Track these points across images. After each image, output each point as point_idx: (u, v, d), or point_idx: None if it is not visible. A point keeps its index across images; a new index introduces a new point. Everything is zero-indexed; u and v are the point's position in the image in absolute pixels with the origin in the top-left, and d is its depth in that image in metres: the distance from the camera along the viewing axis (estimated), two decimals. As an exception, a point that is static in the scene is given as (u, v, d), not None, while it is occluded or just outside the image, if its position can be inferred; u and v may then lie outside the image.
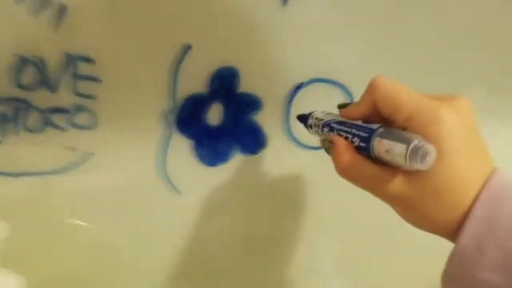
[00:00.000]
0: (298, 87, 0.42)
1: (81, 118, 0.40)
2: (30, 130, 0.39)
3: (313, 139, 0.44)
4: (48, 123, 0.39)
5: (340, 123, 0.33)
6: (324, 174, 0.46)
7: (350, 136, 0.32)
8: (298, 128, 0.44)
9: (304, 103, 0.43)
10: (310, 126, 0.37)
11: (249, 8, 0.38)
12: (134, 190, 0.43)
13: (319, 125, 0.36)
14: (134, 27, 0.37)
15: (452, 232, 0.29)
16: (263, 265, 0.49)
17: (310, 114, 0.37)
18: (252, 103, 0.42)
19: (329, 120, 0.35)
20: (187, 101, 0.40)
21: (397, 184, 0.29)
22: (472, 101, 0.44)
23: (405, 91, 0.30)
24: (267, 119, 0.43)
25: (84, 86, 0.39)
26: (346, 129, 0.32)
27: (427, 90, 0.31)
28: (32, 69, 0.37)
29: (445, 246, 0.29)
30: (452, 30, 0.44)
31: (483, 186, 0.28)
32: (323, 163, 0.46)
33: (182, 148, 0.42)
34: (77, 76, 0.38)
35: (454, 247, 0.28)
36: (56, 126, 0.40)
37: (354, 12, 0.41)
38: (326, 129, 0.35)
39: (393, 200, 0.30)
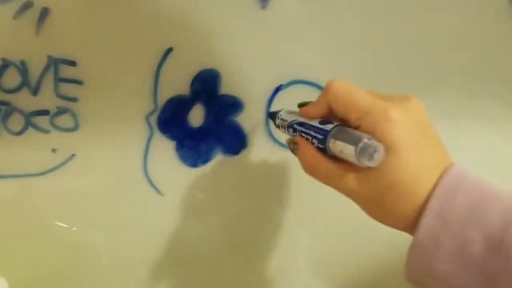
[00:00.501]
0: (278, 88, 0.43)
1: (63, 120, 0.40)
2: (12, 132, 0.40)
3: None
4: (30, 125, 0.40)
5: (300, 124, 0.35)
6: (304, 174, 0.47)
7: (310, 137, 0.34)
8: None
9: (284, 104, 0.44)
10: (278, 126, 0.39)
11: (230, 12, 0.39)
12: (116, 191, 0.43)
13: (284, 126, 0.38)
14: (116, 30, 0.38)
15: (410, 226, 0.30)
16: (246, 264, 0.50)
17: (277, 113, 0.39)
18: (233, 105, 0.43)
19: (291, 121, 0.36)
20: (168, 103, 0.41)
21: (354, 180, 0.31)
22: (441, 101, 0.46)
23: (357, 93, 0.32)
24: (248, 120, 0.44)
25: (66, 89, 0.39)
26: (306, 130, 0.34)
27: (399, 89, 0.33)
28: (14, 72, 0.37)
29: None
30: (425, 32, 0.46)
31: (438, 180, 0.29)
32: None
33: (164, 149, 0.43)
34: (59, 79, 0.38)
35: (412, 241, 0.29)
36: (38, 128, 0.40)
37: (333, 15, 0.42)
38: (290, 130, 0.37)
39: (354, 196, 0.32)
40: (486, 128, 0.50)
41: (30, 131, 0.40)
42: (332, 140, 0.31)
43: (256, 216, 0.48)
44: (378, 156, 0.29)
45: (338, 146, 0.31)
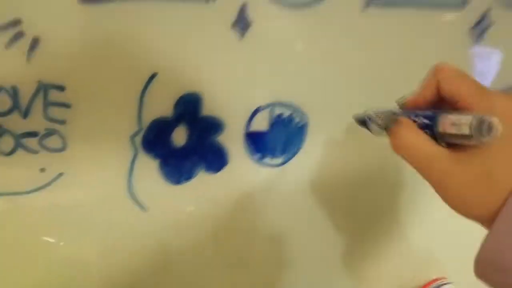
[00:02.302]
0: (257, 110, 0.46)
1: (52, 141, 0.42)
2: (2, 153, 0.41)
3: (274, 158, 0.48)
4: (19, 145, 0.41)
5: (403, 110, 0.35)
6: (283, 191, 0.50)
7: (413, 116, 0.33)
8: (258, 147, 0.47)
9: (262, 124, 0.46)
10: (370, 119, 0.38)
11: (211, 42, 0.41)
12: (103, 207, 0.45)
13: (380, 115, 0.37)
14: (103, 56, 0.40)
15: (488, 216, 0.30)
16: (233, 280, 0.52)
17: (366, 111, 0.39)
18: (215, 125, 0.45)
19: (392, 110, 0.36)
20: (152, 124, 0.43)
21: (453, 161, 0.30)
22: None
23: (469, 77, 0.32)
24: (229, 140, 0.46)
25: (55, 112, 0.41)
26: (409, 113, 0.33)
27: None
28: (5, 96, 0.39)
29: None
30: (395, 58, 0.49)
31: None
32: (282, 180, 0.49)
33: (148, 167, 0.45)
34: (48, 103, 0.40)
35: (488, 233, 0.29)
36: (27, 149, 0.41)
37: (305, 41, 0.45)
38: (389, 115, 0.36)
39: (443, 178, 0.31)
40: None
41: (20, 151, 0.41)
42: (443, 114, 0.30)
43: (238, 232, 0.50)
44: (495, 131, 0.28)
45: (451, 119, 0.30)
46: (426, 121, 0.31)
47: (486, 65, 0.52)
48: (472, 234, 0.32)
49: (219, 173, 0.47)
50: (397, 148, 0.33)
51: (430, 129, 0.31)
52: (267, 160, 0.48)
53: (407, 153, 0.32)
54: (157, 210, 0.47)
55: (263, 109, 0.46)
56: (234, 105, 0.45)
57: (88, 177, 0.44)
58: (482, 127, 0.28)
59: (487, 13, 0.49)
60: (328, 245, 0.54)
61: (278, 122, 0.47)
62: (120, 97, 0.42)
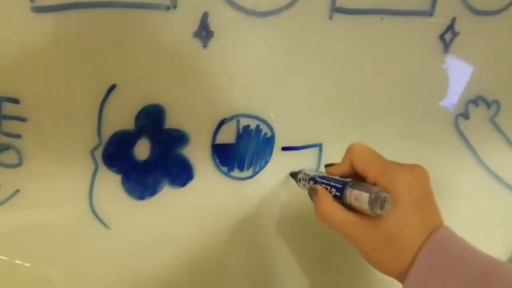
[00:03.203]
0: (222, 122, 0.45)
1: (7, 156, 0.40)
2: (-47, 170, 0.39)
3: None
4: (-28, 162, 0.40)
5: (322, 177, 0.41)
6: (251, 202, 0.49)
7: (329, 187, 0.39)
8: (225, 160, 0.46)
9: (227, 137, 0.45)
10: (299, 180, 0.45)
11: (173, 51, 0.40)
12: (63, 225, 0.43)
13: (306, 179, 0.44)
14: (59, 67, 0.38)
15: (400, 275, 0.35)
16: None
17: (299, 171, 0.46)
18: (179, 138, 0.44)
19: (314, 175, 0.43)
20: (113, 138, 0.42)
21: (363, 227, 0.36)
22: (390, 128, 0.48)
23: (376, 155, 0.38)
24: (194, 152, 0.45)
25: (10, 125, 0.39)
26: (326, 182, 0.40)
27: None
28: (-45, 110, 0.37)
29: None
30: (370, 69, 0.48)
31: (428, 237, 0.34)
32: (249, 193, 0.48)
33: (109, 183, 0.43)
34: (2, 116, 0.39)
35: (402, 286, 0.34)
36: (-20, 165, 0.40)
37: (273, 49, 0.44)
38: (311, 182, 0.42)
39: (359, 242, 0.36)
40: (425, 148, 0.53)
41: (-27, 168, 0.40)
42: (349, 189, 0.37)
43: (205, 247, 0.49)
44: (388, 206, 0.34)
45: (354, 194, 0.36)
46: (337, 193, 0.38)
47: (455, 73, 0.52)
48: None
49: (185, 188, 0.46)
50: (317, 215, 0.38)
51: (340, 199, 0.38)
52: (235, 173, 0.47)
53: (324, 219, 0.38)
54: (121, 227, 0.45)
55: (228, 121, 0.45)
56: (198, 116, 0.44)
57: (47, 194, 0.42)
58: (377, 203, 0.34)
59: (455, 21, 0.49)
60: (304, 257, 0.53)
61: (245, 134, 0.46)
62: (79, 110, 0.40)
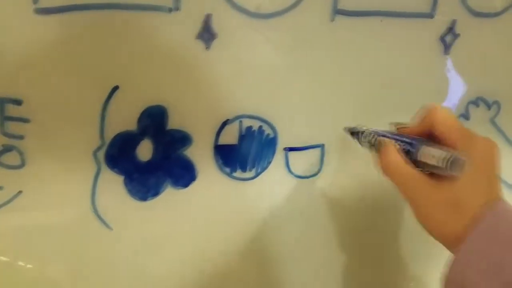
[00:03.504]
0: (225, 122, 0.45)
1: (9, 158, 0.40)
2: (-44, 171, 0.39)
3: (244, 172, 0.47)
4: (-26, 163, 0.40)
5: (393, 133, 0.40)
6: (253, 202, 0.49)
7: (399, 142, 0.38)
8: (227, 160, 0.46)
9: (230, 138, 0.45)
10: (361, 134, 0.43)
11: (176, 52, 0.40)
12: (66, 227, 0.43)
13: (371, 134, 0.42)
14: (62, 69, 0.38)
15: (456, 240, 0.34)
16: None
17: (359, 129, 0.44)
18: (181, 139, 0.44)
19: (383, 131, 0.41)
20: (116, 139, 0.42)
21: (427, 185, 0.36)
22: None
23: (457, 120, 0.38)
24: (197, 153, 0.45)
25: (12, 127, 0.39)
26: (397, 137, 0.39)
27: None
28: (-42, 111, 0.37)
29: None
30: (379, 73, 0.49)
31: (491, 207, 0.35)
32: (251, 193, 0.48)
33: (112, 184, 0.43)
34: (5, 117, 0.39)
35: (455, 253, 0.34)
36: (-17, 166, 0.40)
37: (275, 51, 0.44)
38: (378, 136, 0.41)
39: (418, 199, 0.36)
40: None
41: (-25, 169, 0.40)
42: (424, 146, 0.36)
43: (208, 249, 0.49)
44: (463, 168, 0.34)
45: (430, 151, 0.35)
46: (409, 147, 0.37)
47: (455, 75, 0.52)
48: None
49: (187, 188, 0.46)
50: (383, 166, 0.38)
51: (410, 154, 0.37)
52: (238, 174, 0.47)
53: (389, 172, 0.37)
54: (124, 228, 0.45)
55: (231, 122, 0.45)
56: (201, 117, 0.44)
57: (49, 195, 0.42)
58: (453, 163, 0.34)
59: (455, 23, 0.49)
60: (308, 257, 0.53)
61: (247, 135, 0.46)
62: (81, 111, 0.40)
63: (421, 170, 0.36)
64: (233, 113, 0.45)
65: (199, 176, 0.46)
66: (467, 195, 0.35)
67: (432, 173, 0.36)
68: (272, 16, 0.42)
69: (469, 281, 0.33)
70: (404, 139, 0.38)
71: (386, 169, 0.38)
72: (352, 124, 0.45)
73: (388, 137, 0.40)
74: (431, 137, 0.38)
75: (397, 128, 0.41)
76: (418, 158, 0.36)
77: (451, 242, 0.35)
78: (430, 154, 0.35)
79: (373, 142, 0.41)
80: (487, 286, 0.32)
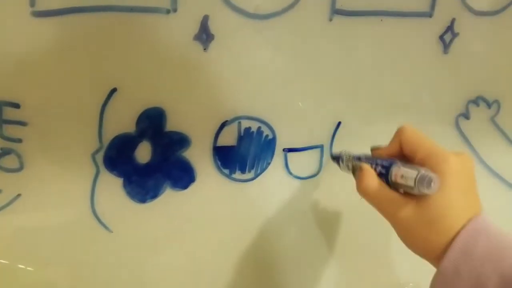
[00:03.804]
0: (223, 124, 0.45)
1: (7, 161, 0.40)
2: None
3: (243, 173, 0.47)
4: (-27, 166, 0.39)
5: (368, 157, 0.42)
6: (253, 204, 0.49)
7: (374, 165, 0.39)
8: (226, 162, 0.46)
9: (229, 139, 0.45)
10: (342, 161, 0.45)
11: (173, 54, 0.40)
12: (65, 229, 0.43)
13: (349, 158, 0.44)
14: (60, 71, 0.38)
15: (436, 257, 0.35)
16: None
17: (341, 152, 0.46)
18: (180, 141, 0.44)
19: (359, 155, 0.43)
20: (114, 141, 0.42)
21: (405, 207, 0.36)
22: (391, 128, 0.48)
23: (425, 138, 0.38)
24: (195, 155, 0.45)
25: (10, 130, 0.39)
26: (372, 161, 0.40)
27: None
28: (-44, 115, 0.37)
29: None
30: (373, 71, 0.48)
31: (467, 223, 0.35)
32: (251, 194, 0.48)
33: (111, 186, 0.43)
34: (3, 121, 0.39)
35: (437, 269, 0.35)
36: (-19, 170, 0.40)
37: (273, 52, 0.44)
38: (355, 160, 0.43)
39: (398, 221, 0.37)
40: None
41: (-26, 172, 0.40)
42: (396, 167, 0.37)
43: (209, 248, 0.49)
44: (434, 185, 0.34)
45: (401, 171, 0.36)
46: (382, 170, 0.38)
47: (455, 74, 0.52)
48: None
49: (187, 190, 0.46)
50: (360, 190, 0.39)
51: (385, 177, 0.38)
52: (237, 175, 0.47)
53: (367, 196, 0.38)
54: (123, 231, 0.45)
55: (230, 123, 0.45)
56: (199, 119, 0.44)
57: (48, 198, 0.42)
58: (423, 182, 0.34)
59: (454, 22, 0.49)
60: (306, 258, 0.53)
61: (246, 136, 0.46)
62: (79, 114, 0.40)
63: (397, 191, 0.37)
64: (232, 114, 0.45)
65: (198, 178, 0.46)
66: (443, 213, 0.35)
67: (409, 194, 0.36)
68: (270, 16, 0.42)
69: None
70: (378, 161, 0.39)
71: (363, 193, 0.38)
72: (337, 150, 0.47)
73: (363, 161, 0.41)
74: (404, 158, 0.39)
75: (372, 151, 0.42)
76: (392, 180, 0.37)
77: (432, 259, 0.36)
78: (400, 174, 0.36)
79: (350, 167, 0.43)
80: None
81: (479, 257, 0.33)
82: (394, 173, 0.37)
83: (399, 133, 0.40)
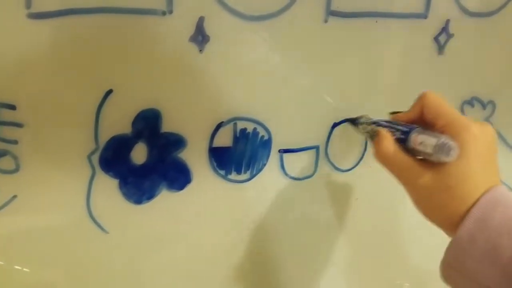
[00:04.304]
0: (219, 125, 0.45)
1: (3, 162, 0.40)
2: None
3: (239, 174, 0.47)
4: (-31, 168, 0.39)
5: (387, 121, 0.41)
6: (249, 205, 0.49)
7: (392, 130, 0.39)
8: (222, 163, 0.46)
9: (224, 140, 0.45)
10: (360, 124, 0.44)
11: (169, 55, 0.40)
12: (61, 230, 0.43)
13: (368, 122, 0.43)
14: (56, 73, 0.38)
15: (452, 225, 0.34)
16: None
17: (360, 116, 0.45)
18: (176, 142, 0.44)
19: (378, 119, 0.42)
20: (110, 142, 0.42)
21: (423, 174, 0.35)
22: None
23: (447, 105, 0.37)
24: (191, 156, 0.45)
25: (6, 132, 0.39)
26: (391, 125, 0.39)
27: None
28: (-48, 117, 0.37)
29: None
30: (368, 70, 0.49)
31: (485, 192, 0.34)
32: (247, 195, 0.48)
33: (107, 187, 0.43)
34: (-1, 122, 0.39)
35: (452, 239, 0.34)
36: (-23, 171, 0.40)
37: (269, 53, 0.44)
38: (373, 125, 0.42)
39: (415, 188, 0.36)
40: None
41: (-31, 174, 0.40)
42: (415, 133, 0.36)
43: (205, 249, 0.49)
44: (453, 153, 0.34)
45: (420, 138, 0.36)
46: (401, 136, 0.37)
47: (450, 74, 0.52)
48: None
49: (183, 191, 0.46)
50: (377, 155, 0.38)
51: (403, 142, 0.37)
52: (233, 176, 0.47)
53: (384, 161, 0.38)
54: (119, 232, 0.45)
55: (225, 124, 0.45)
56: (195, 120, 0.44)
57: (44, 200, 0.42)
58: (443, 149, 0.34)
59: (449, 23, 0.49)
60: (302, 259, 0.53)
61: (242, 137, 0.46)
62: (75, 115, 0.40)
63: (416, 157, 0.36)
64: (227, 115, 0.45)
65: (194, 179, 0.46)
66: (462, 180, 0.34)
67: (426, 160, 0.36)
68: (265, 18, 0.42)
69: (467, 268, 0.33)
70: (398, 127, 0.38)
71: (381, 159, 0.38)
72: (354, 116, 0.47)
73: (382, 125, 0.40)
74: (424, 123, 0.38)
75: (391, 115, 0.42)
76: (410, 146, 0.36)
77: (448, 227, 0.35)
78: (419, 141, 0.36)
79: (369, 131, 0.42)
80: (484, 272, 0.33)
81: (496, 228, 0.33)
82: (413, 139, 0.36)
83: (421, 98, 0.39)
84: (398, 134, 0.38)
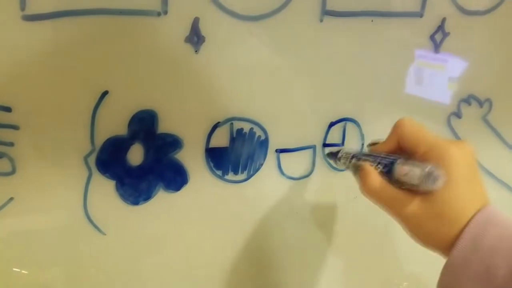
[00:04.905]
0: (216, 125, 0.45)
1: (0, 165, 0.40)
2: None
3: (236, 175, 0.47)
4: (-35, 170, 0.39)
5: (367, 155, 0.40)
6: (246, 205, 0.49)
7: (374, 164, 0.38)
8: (219, 163, 0.46)
9: (221, 140, 0.45)
10: (339, 159, 0.43)
11: (165, 56, 0.40)
12: (58, 232, 0.43)
13: (348, 157, 0.42)
14: (51, 75, 0.38)
15: (446, 249, 0.35)
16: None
17: (339, 150, 0.44)
18: (172, 143, 0.44)
19: (357, 153, 0.42)
20: (106, 144, 0.42)
21: (410, 204, 0.35)
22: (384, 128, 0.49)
23: (424, 130, 0.37)
24: (188, 157, 0.45)
25: (2, 134, 0.39)
26: (372, 159, 0.39)
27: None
28: None
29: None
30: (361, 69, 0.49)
31: (475, 213, 0.34)
32: (244, 195, 0.48)
33: (103, 189, 0.43)
34: (-6, 125, 0.39)
35: (446, 260, 0.35)
36: (-27, 173, 0.40)
37: (264, 53, 0.44)
38: (354, 160, 0.41)
39: (405, 218, 0.36)
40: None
41: (-34, 176, 0.40)
42: (399, 164, 0.36)
43: (202, 249, 0.49)
44: (440, 182, 0.34)
45: (404, 170, 0.35)
46: (384, 169, 0.37)
47: (447, 73, 0.52)
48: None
49: (179, 192, 0.46)
50: (364, 191, 0.38)
51: (387, 174, 0.37)
52: (229, 176, 0.47)
53: (371, 195, 0.38)
54: (116, 233, 0.45)
55: (222, 125, 0.45)
56: (192, 121, 0.44)
57: (41, 201, 0.42)
58: (428, 179, 0.34)
59: (445, 22, 0.49)
60: (299, 259, 0.53)
61: (238, 138, 0.46)
62: (71, 117, 0.40)
63: (401, 188, 0.36)
64: (224, 115, 0.45)
65: (191, 180, 0.46)
66: (450, 206, 0.35)
67: (413, 190, 0.36)
68: (261, 18, 0.42)
69: (461, 286, 0.34)
70: (379, 160, 0.38)
71: (368, 194, 0.38)
72: (334, 149, 0.46)
73: (362, 159, 0.40)
74: (404, 151, 0.38)
75: (371, 147, 0.41)
76: (395, 177, 0.36)
77: (443, 251, 0.36)
78: (403, 172, 0.35)
79: (350, 167, 0.41)
80: None
81: (489, 248, 0.33)
82: (398, 171, 0.36)
83: (397, 127, 0.39)
84: (380, 167, 0.38)
